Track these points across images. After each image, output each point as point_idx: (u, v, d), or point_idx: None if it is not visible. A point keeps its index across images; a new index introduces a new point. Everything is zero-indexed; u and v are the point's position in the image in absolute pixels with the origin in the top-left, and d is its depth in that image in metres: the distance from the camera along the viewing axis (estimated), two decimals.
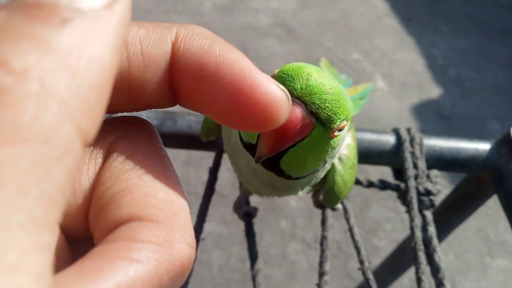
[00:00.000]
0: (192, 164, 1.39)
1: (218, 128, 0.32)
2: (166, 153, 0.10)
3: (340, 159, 0.30)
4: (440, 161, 0.45)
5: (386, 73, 1.85)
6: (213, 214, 1.26)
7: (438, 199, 0.46)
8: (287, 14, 2.11)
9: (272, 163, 0.23)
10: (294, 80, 0.20)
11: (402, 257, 0.61)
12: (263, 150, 0.20)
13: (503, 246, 1.25)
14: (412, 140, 0.44)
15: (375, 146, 0.44)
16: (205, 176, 0.42)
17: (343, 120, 0.21)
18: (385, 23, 2.14)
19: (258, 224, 1.57)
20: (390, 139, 0.45)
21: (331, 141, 0.22)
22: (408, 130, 0.46)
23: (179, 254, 0.08)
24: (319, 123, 0.20)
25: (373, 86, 0.45)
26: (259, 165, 0.23)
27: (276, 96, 0.09)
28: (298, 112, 0.19)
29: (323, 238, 0.37)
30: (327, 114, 0.20)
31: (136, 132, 0.10)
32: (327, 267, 0.35)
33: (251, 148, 0.23)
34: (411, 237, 0.39)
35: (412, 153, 0.44)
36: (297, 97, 0.20)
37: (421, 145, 0.44)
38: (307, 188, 0.28)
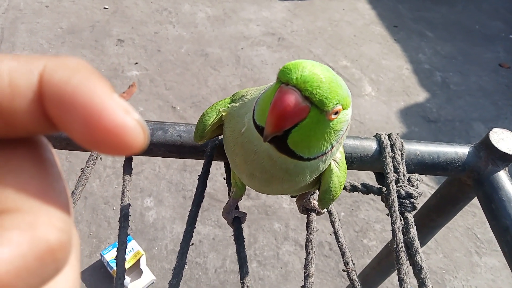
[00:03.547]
0: (187, 170, 1.40)
1: (210, 131, 0.34)
2: (51, 156, 0.11)
3: (336, 162, 0.32)
4: (421, 165, 0.46)
5: (373, 79, 1.88)
6: (208, 218, 1.27)
7: (421, 202, 0.45)
8: (277, 23, 2.14)
9: (281, 145, 0.26)
10: (291, 72, 0.24)
11: (389, 258, 0.62)
12: (268, 129, 0.25)
13: (490, 245, 1.27)
14: (393, 145, 0.45)
15: (358, 151, 0.44)
16: None
17: (336, 104, 0.24)
18: (372, 31, 2.18)
19: (252, 227, 1.55)
20: (372, 145, 0.45)
21: (331, 124, 0.26)
22: (389, 135, 0.46)
23: (44, 237, 0.09)
24: (314, 107, 0.24)
25: None
26: (273, 148, 0.27)
27: (123, 124, 0.10)
28: (293, 97, 0.24)
29: (308, 241, 0.38)
30: (319, 99, 0.24)
31: (16, 143, 0.11)
32: (312, 269, 0.35)
33: (263, 131, 0.26)
34: (393, 239, 0.40)
35: (393, 158, 0.44)
36: (294, 85, 0.24)
37: (401, 150, 0.45)
38: (314, 176, 0.31)
